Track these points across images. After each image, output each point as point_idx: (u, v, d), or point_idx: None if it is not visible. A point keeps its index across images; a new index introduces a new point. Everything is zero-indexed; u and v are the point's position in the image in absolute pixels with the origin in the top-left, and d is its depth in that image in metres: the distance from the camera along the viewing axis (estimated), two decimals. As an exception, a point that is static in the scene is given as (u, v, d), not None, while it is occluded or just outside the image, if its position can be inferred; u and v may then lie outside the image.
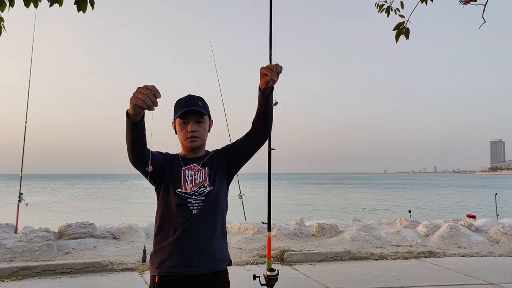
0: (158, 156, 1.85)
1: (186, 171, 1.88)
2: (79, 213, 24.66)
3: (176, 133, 1.97)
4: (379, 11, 3.97)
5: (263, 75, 1.70)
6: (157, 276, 1.79)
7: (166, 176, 1.85)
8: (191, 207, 1.81)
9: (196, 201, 1.82)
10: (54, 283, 5.12)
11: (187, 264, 1.77)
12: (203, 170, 1.90)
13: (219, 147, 2.02)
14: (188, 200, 1.81)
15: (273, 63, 1.73)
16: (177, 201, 1.81)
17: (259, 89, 1.76)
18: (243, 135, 1.94)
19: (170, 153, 1.98)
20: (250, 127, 1.89)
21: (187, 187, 1.84)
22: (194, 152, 1.95)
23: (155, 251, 1.84)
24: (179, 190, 1.83)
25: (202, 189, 1.85)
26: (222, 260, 1.86)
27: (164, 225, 1.83)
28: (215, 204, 1.86)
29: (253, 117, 1.86)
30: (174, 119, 1.96)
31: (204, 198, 1.83)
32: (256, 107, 1.82)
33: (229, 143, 2.03)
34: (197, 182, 1.86)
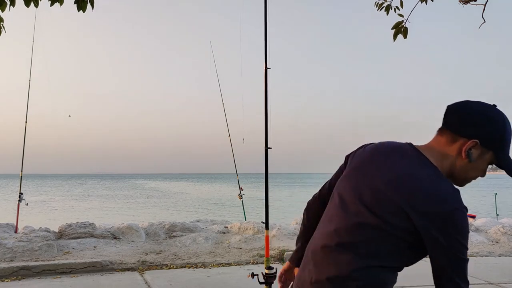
0: None
1: None
2: (79, 212, 24.69)
3: (467, 158, 1.34)
4: (378, 9, 3.98)
5: None
6: None
7: None
8: None
9: None
10: (54, 283, 5.12)
11: None
12: None
13: None
14: None
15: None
16: None
17: None
18: None
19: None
20: None
21: None
22: None
23: None
24: None
25: None
26: None
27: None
28: None
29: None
30: (489, 147, 1.34)
31: None
32: None
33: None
34: None
